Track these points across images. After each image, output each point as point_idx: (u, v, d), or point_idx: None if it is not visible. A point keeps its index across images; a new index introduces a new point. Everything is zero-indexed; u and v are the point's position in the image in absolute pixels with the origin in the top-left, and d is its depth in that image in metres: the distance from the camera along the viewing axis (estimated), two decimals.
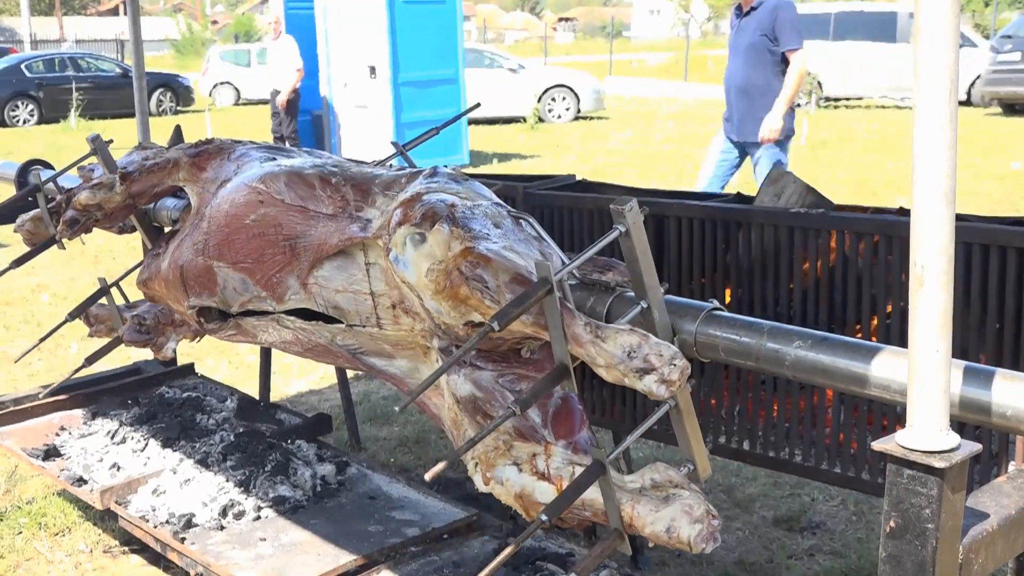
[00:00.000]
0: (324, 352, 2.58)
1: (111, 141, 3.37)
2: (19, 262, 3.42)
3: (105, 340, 3.44)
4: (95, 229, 3.24)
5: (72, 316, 3.31)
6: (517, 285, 1.96)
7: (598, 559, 1.90)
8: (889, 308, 2.93)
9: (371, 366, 2.47)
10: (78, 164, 3.50)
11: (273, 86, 13.47)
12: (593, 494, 1.89)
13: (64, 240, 3.17)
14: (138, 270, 3.08)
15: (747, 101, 6.98)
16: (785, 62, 6.90)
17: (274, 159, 2.81)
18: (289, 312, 2.56)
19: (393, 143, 2.89)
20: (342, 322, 2.45)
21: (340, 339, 2.48)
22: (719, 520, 1.82)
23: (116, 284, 3.35)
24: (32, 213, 3.39)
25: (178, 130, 3.65)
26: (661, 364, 1.74)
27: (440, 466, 1.75)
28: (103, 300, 3.36)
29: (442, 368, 1.85)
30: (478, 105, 3.25)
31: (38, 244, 3.42)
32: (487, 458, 2.13)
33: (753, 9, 6.93)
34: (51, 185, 3.56)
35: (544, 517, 1.81)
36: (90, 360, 3.40)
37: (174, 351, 3.15)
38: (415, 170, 2.47)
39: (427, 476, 1.76)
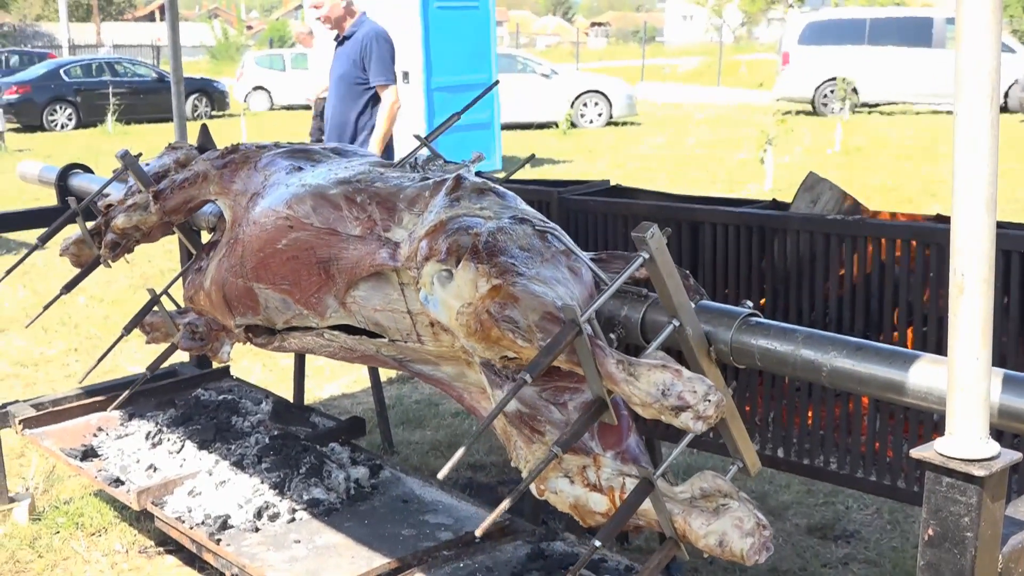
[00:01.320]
0: (371, 359, 2.63)
1: (140, 155, 3.42)
2: (69, 287, 3.50)
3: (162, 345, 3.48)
4: None
5: (128, 329, 3.35)
6: (547, 323, 1.97)
7: (657, 570, 1.92)
8: (926, 315, 2.91)
9: (418, 372, 2.51)
10: (112, 182, 3.54)
11: (310, 93, 13.48)
12: (645, 505, 1.91)
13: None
14: (183, 279, 3.12)
15: (341, 138, 6.41)
16: (379, 97, 6.32)
17: (300, 169, 2.83)
18: (332, 327, 2.59)
19: (416, 136, 2.90)
20: (384, 337, 2.48)
21: (385, 350, 2.52)
22: (770, 530, 1.83)
23: (165, 292, 3.40)
24: (75, 236, 3.44)
25: (205, 129, 3.68)
26: (696, 401, 1.75)
27: (494, 515, 1.79)
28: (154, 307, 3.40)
29: (487, 421, 1.87)
30: (497, 83, 3.24)
31: (85, 265, 3.47)
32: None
33: (347, 38, 6.36)
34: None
35: (598, 543, 1.83)
36: (152, 368, 3.46)
37: (229, 355, 3.19)
38: (440, 179, 2.47)
39: (477, 532, 1.80)
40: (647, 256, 1.89)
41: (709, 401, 1.74)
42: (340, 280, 2.50)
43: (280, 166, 2.89)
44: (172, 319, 3.27)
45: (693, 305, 2.02)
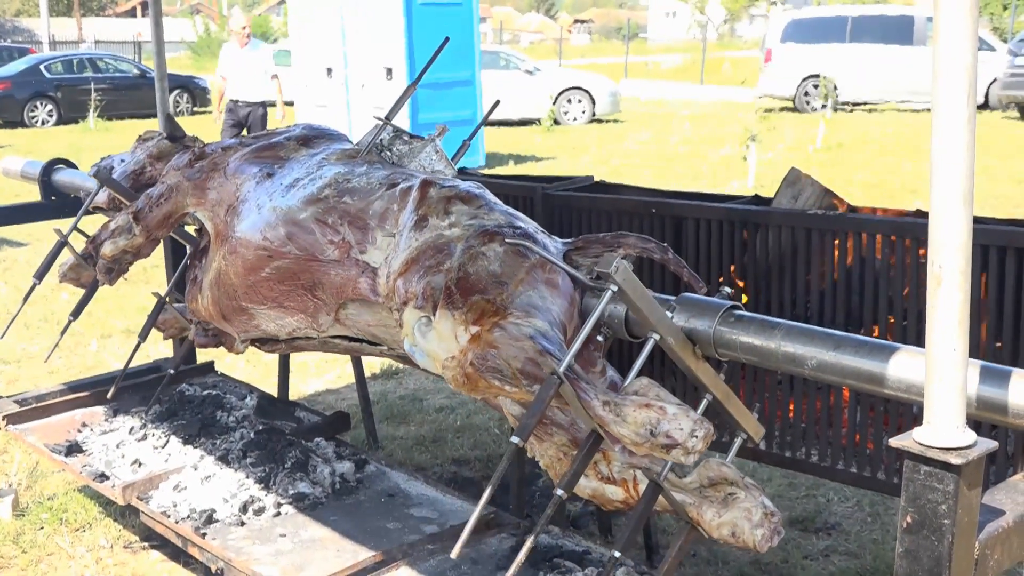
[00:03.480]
0: (378, 355, 2.72)
1: (112, 168, 3.53)
2: (76, 313, 3.59)
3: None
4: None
5: (143, 336, 3.47)
6: (530, 367, 2.04)
7: (680, 556, 2.00)
8: (906, 309, 2.94)
9: (426, 366, 2.58)
10: (89, 204, 3.62)
11: (237, 95, 12.01)
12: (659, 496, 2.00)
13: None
14: (177, 283, 3.21)
15: None
16: None
17: (270, 176, 2.87)
18: (332, 337, 2.68)
19: (376, 117, 2.94)
20: (383, 344, 2.54)
21: (388, 351, 2.58)
22: (778, 515, 1.91)
23: (169, 293, 3.50)
24: (70, 262, 3.49)
25: (170, 118, 3.72)
26: (684, 439, 1.81)
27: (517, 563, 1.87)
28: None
29: (488, 493, 1.93)
30: (447, 40, 3.24)
31: (87, 285, 3.54)
32: (553, 468, 2.29)
33: None
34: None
35: (617, 553, 1.92)
36: (175, 366, 3.59)
37: (246, 346, 3.24)
38: (406, 186, 2.51)
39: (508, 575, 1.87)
40: (615, 289, 1.94)
41: (696, 437, 1.81)
42: (329, 301, 2.57)
43: (249, 173, 2.93)
44: (183, 315, 3.31)
45: (671, 315, 2.07)
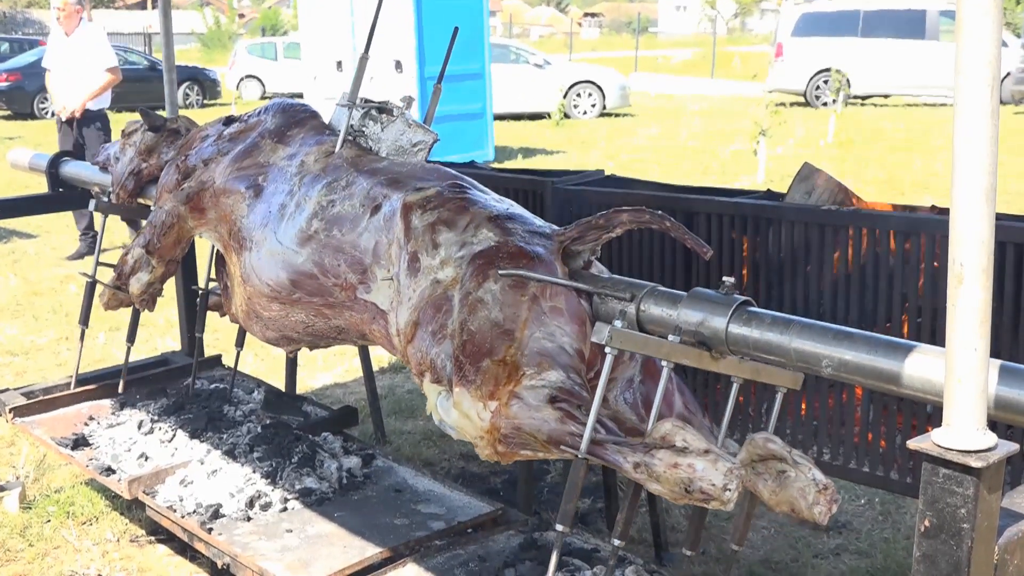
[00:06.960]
0: None
1: (110, 194, 3.78)
2: (131, 338, 3.92)
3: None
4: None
5: (201, 329, 3.89)
6: (556, 435, 2.11)
7: (748, 522, 2.10)
8: (920, 306, 2.91)
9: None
10: (101, 239, 3.94)
11: (63, 96, 9.10)
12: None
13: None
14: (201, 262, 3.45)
15: None
16: None
17: (257, 194, 2.93)
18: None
19: (339, 104, 2.96)
20: None
21: None
22: (832, 487, 1.96)
23: (208, 285, 3.71)
24: (106, 293, 3.64)
25: (144, 112, 3.76)
26: (718, 493, 1.89)
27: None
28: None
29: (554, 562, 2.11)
30: (380, 3, 3.22)
31: (128, 307, 3.71)
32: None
33: None
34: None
35: (689, 552, 2.10)
36: (239, 344, 3.84)
37: None
38: (389, 210, 2.53)
39: None
40: (615, 352, 2.04)
41: (729, 490, 1.88)
42: (352, 332, 2.70)
43: (237, 191, 2.99)
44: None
45: (676, 340, 2.08)
